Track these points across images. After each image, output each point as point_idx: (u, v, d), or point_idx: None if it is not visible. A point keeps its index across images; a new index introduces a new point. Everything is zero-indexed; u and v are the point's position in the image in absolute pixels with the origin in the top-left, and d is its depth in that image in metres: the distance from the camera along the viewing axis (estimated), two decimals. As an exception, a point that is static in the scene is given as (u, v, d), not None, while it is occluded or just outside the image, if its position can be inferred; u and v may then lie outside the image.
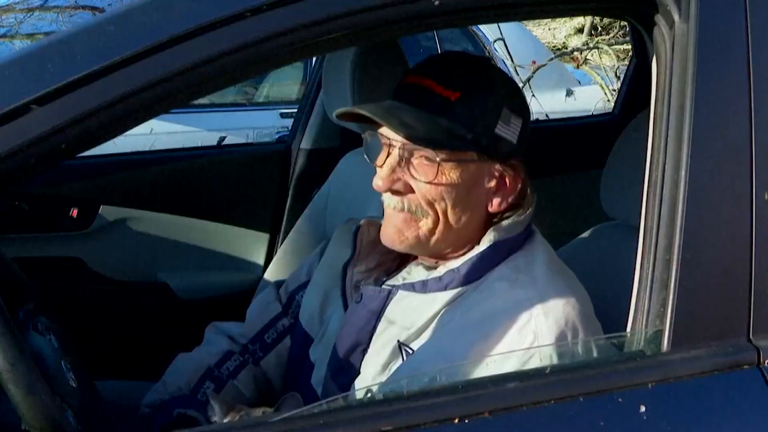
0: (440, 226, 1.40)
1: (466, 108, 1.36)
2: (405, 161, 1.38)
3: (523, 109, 1.43)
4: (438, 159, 1.35)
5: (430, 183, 1.37)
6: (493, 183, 1.40)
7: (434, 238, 1.41)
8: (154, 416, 1.55)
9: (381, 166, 1.40)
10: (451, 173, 1.37)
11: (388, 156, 1.39)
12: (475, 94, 1.38)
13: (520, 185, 1.42)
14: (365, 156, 1.45)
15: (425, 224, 1.40)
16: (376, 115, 1.36)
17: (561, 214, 2.51)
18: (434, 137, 1.35)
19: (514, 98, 1.42)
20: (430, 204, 1.38)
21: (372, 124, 1.42)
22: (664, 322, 1.23)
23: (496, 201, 1.41)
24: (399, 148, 1.38)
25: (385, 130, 1.40)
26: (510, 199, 1.42)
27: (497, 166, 1.40)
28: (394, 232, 1.42)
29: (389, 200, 1.41)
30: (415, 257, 1.51)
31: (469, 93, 1.37)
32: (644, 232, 1.28)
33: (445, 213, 1.39)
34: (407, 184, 1.39)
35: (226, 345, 1.69)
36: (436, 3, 1.18)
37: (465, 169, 1.37)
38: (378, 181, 1.40)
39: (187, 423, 1.50)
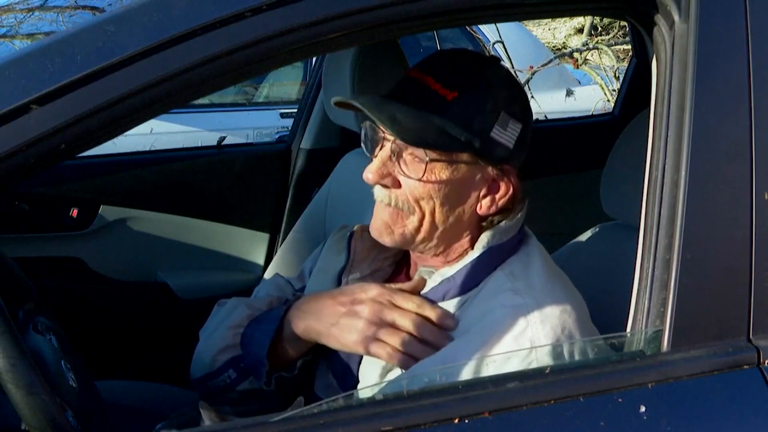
0: (425, 225, 1.39)
1: (462, 109, 1.34)
2: (396, 156, 1.37)
3: (524, 114, 1.41)
4: (427, 158, 1.34)
5: (417, 180, 1.36)
6: (484, 186, 1.39)
7: (419, 236, 1.40)
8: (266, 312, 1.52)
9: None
10: (440, 173, 1.35)
11: (380, 149, 1.39)
12: (473, 95, 1.36)
13: (511, 190, 1.41)
14: (363, 147, 1.44)
15: (411, 222, 1.39)
16: (367, 108, 1.34)
17: (561, 214, 2.51)
18: (424, 135, 1.33)
19: (515, 102, 1.40)
20: (417, 201, 1.37)
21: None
22: (664, 322, 1.23)
23: (485, 204, 1.40)
24: (391, 143, 1.37)
25: None
26: (500, 203, 1.41)
27: (490, 170, 1.39)
28: (382, 225, 1.41)
29: (378, 193, 1.41)
30: (410, 266, 1.51)
31: (467, 94, 1.35)
32: (644, 232, 1.28)
33: (432, 212, 1.38)
34: (396, 179, 1.38)
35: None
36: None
37: (455, 170, 1.36)
38: (368, 174, 1.39)
39: None
